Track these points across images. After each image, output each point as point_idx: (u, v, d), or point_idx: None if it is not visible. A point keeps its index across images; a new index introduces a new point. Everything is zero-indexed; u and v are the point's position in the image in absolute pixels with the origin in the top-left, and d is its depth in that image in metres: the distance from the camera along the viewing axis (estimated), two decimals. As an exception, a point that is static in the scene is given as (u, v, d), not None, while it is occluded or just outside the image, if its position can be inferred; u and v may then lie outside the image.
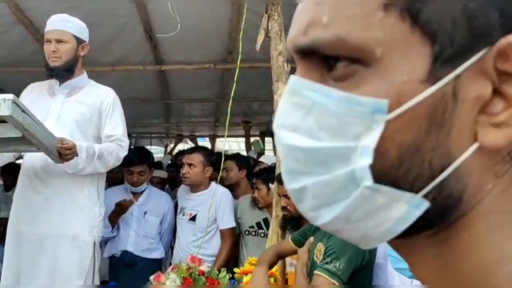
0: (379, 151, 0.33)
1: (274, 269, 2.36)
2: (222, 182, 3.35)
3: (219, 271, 2.66)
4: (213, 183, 3.24)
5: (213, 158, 3.34)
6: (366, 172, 0.34)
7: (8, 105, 1.60)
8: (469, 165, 0.34)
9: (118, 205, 3.14)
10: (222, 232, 3.15)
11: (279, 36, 2.62)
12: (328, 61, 0.35)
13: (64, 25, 2.41)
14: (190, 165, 3.14)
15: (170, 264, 3.22)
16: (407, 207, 0.34)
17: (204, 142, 8.38)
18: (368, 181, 0.34)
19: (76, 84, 2.52)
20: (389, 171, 0.34)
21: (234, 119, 6.29)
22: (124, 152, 2.53)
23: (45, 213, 2.41)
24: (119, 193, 3.33)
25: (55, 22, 2.41)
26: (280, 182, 2.44)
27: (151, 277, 2.59)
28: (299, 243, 2.11)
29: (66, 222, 2.42)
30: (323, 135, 0.35)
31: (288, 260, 2.51)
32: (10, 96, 1.62)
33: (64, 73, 2.44)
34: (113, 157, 2.43)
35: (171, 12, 2.72)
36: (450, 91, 0.33)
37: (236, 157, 3.95)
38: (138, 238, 3.25)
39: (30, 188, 2.45)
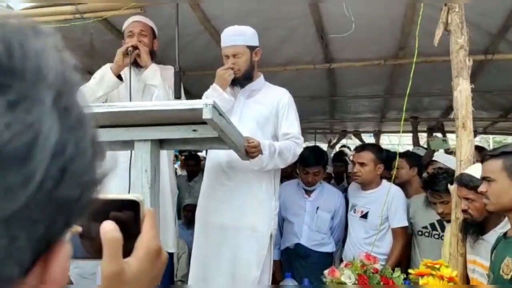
0: None
1: (453, 274, 2.27)
2: (393, 180, 3.30)
3: (393, 270, 2.64)
4: (384, 181, 3.21)
5: (384, 155, 3.31)
6: None
7: (209, 109, 1.80)
8: None
9: None
10: (394, 231, 3.11)
11: (460, 29, 2.49)
12: None
13: (236, 39, 2.61)
14: (361, 163, 3.15)
15: (341, 259, 3.29)
16: None
17: (368, 138, 8.29)
18: None
19: (254, 87, 2.73)
20: None
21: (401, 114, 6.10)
22: (300, 149, 2.66)
23: (227, 204, 2.64)
24: (292, 188, 3.49)
25: (228, 38, 2.62)
26: (461, 183, 2.32)
27: (326, 272, 2.67)
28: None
29: (246, 214, 2.63)
30: None
31: (470, 266, 2.38)
32: (211, 101, 1.83)
33: (244, 81, 2.69)
34: (291, 154, 2.57)
35: (346, 13, 2.76)
36: None
37: (406, 154, 3.85)
38: (311, 232, 3.37)
39: (215, 181, 2.70)
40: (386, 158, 3.32)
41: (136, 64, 2.77)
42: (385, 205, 2.98)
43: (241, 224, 2.62)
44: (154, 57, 2.85)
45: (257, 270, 2.60)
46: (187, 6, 3.07)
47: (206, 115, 1.80)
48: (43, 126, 0.29)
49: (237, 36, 2.62)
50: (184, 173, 5.57)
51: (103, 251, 0.52)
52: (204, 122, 1.92)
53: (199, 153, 6.16)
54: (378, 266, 2.63)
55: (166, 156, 2.77)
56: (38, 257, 0.32)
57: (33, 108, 0.29)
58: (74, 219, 0.34)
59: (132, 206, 0.58)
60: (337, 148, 7.89)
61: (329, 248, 3.42)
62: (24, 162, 0.27)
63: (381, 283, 2.53)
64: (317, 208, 3.40)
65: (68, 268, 0.34)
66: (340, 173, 5.56)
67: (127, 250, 0.56)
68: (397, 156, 2.85)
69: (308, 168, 3.35)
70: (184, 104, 1.93)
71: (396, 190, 3.15)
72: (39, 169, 0.28)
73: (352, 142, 8.76)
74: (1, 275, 0.29)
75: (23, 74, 0.29)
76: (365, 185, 3.21)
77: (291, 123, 2.64)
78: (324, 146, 8.02)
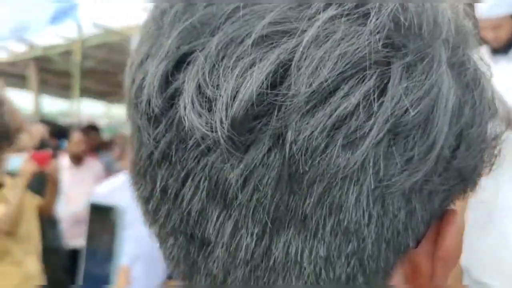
0: None
1: None
2: None
3: None
4: None
5: None
6: None
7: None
8: None
9: None
10: None
11: None
12: None
13: (497, 8, 2.29)
14: None
15: None
16: None
17: None
18: None
19: None
20: None
21: None
22: None
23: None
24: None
25: (487, 7, 2.30)
26: None
27: None
28: None
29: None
30: None
31: None
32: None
33: (507, 49, 2.39)
34: None
35: None
36: None
37: None
38: None
39: None
40: None
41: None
42: None
43: (505, 204, 2.34)
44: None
45: None
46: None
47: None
48: (441, 88, 0.26)
49: (498, 5, 2.30)
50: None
51: None
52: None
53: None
54: None
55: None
56: (429, 226, 0.30)
57: (431, 69, 0.26)
58: (469, 190, 0.31)
59: None
60: None
61: None
62: (424, 130, 0.26)
63: None
64: None
65: (462, 239, 0.31)
66: None
67: None
68: None
69: None
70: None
71: None
72: (439, 137, 0.26)
73: None
74: (401, 247, 0.28)
75: (420, 31, 0.26)
76: None
77: None
78: None
